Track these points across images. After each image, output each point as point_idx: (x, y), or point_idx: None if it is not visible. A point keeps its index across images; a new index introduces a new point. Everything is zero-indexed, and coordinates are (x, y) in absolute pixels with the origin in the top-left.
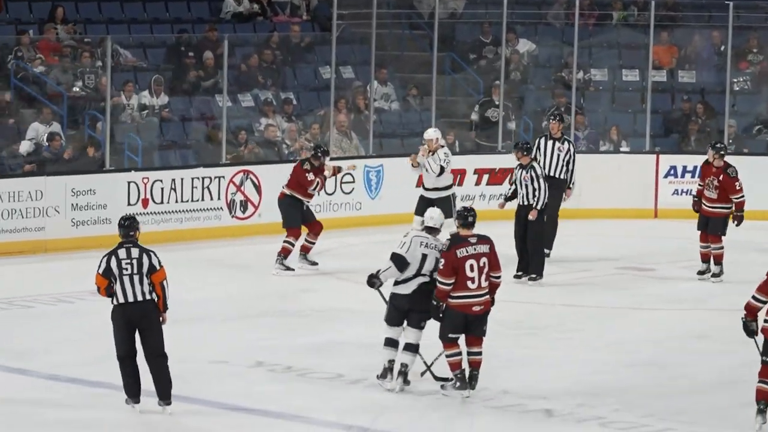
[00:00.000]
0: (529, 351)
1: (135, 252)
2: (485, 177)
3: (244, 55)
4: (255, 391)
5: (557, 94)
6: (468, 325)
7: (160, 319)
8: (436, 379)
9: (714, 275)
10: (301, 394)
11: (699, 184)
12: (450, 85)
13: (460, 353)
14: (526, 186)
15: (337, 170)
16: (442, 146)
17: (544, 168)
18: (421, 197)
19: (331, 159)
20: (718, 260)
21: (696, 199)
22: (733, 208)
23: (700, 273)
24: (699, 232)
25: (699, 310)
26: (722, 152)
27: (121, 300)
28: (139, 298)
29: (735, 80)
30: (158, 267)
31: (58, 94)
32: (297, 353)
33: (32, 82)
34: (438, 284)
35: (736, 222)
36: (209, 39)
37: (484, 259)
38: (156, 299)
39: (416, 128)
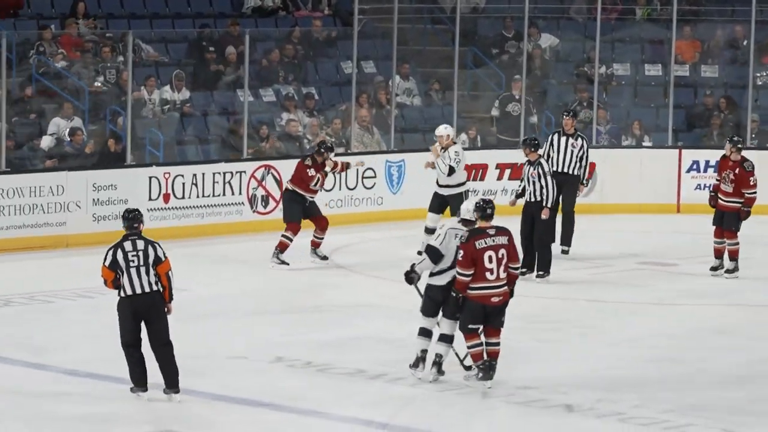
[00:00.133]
0: (550, 346)
1: (140, 244)
2: (507, 172)
3: (266, 50)
4: (274, 386)
5: (579, 88)
6: (487, 316)
7: (166, 309)
8: (466, 368)
9: (728, 271)
10: (320, 390)
11: (716, 179)
12: (472, 80)
13: (481, 344)
14: (534, 183)
15: (345, 166)
16: (455, 143)
17: (558, 164)
18: (435, 194)
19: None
20: (734, 256)
21: (712, 194)
22: (744, 201)
23: (713, 269)
24: (714, 227)
25: (719, 305)
26: (739, 146)
27: (129, 292)
28: (147, 289)
29: (758, 75)
30: (163, 258)
31: (79, 89)
32: (317, 348)
33: (54, 77)
34: (457, 276)
35: (742, 216)
36: (231, 34)
37: (502, 251)
38: (162, 290)
39: (438, 123)
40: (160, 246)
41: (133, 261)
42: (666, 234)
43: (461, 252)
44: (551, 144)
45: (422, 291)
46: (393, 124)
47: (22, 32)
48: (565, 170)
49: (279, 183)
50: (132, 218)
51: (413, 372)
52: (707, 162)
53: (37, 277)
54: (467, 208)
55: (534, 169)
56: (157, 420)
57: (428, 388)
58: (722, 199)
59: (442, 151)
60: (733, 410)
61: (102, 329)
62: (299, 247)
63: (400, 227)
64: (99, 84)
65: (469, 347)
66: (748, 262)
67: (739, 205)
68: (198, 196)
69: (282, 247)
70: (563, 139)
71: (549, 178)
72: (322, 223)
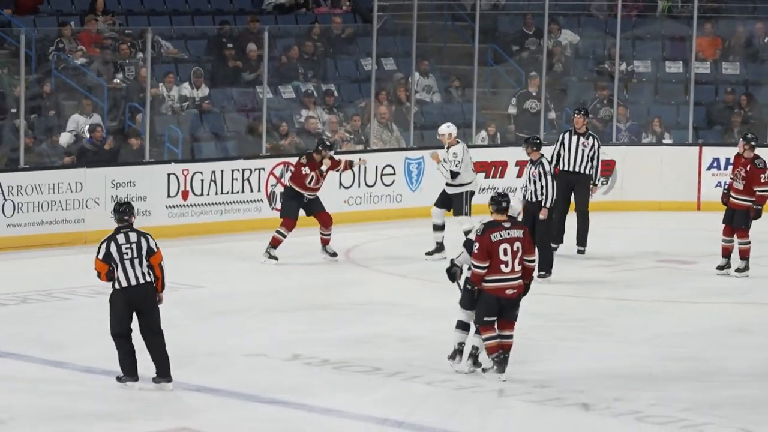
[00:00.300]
0: (567, 344)
1: (133, 236)
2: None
3: (285, 46)
4: (290, 384)
5: (600, 86)
6: (501, 308)
7: (157, 299)
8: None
9: (738, 270)
10: (336, 387)
11: (730, 177)
12: (492, 77)
13: (496, 336)
14: (535, 182)
15: (348, 164)
16: (458, 142)
17: (569, 163)
18: (443, 190)
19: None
20: (744, 255)
21: (725, 191)
22: (755, 199)
23: (720, 268)
24: (723, 225)
25: (738, 304)
26: (753, 143)
27: (124, 284)
28: (141, 280)
29: None
30: (156, 249)
31: (98, 85)
32: (334, 346)
33: (73, 74)
34: (473, 268)
35: (752, 214)
36: (250, 31)
37: (517, 244)
38: (154, 280)
39: (458, 120)
40: (152, 237)
41: (126, 253)
42: (686, 232)
43: (476, 244)
44: (562, 143)
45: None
46: (412, 121)
47: (42, 29)
48: (577, 169)
49: None
50: (123, 211)
51: (450, 364)
52: (728, 159)
53: (54, 274)
54: (513, 206)
55: (535, 169)
56: (172, 417)
57: (444, 386)
58: (733, 197)
59: (447, 149)
60: (753, 410)
61: None
62: (315, 245)
63: (419, 224)
64: (118, 80)
65: (484, 339)
66: (759, 260)
67: (750, 203)
68: (216, 193)
69: (274, 243)
70: (574, 138)
71: (549, 177)
72: (324, 220)
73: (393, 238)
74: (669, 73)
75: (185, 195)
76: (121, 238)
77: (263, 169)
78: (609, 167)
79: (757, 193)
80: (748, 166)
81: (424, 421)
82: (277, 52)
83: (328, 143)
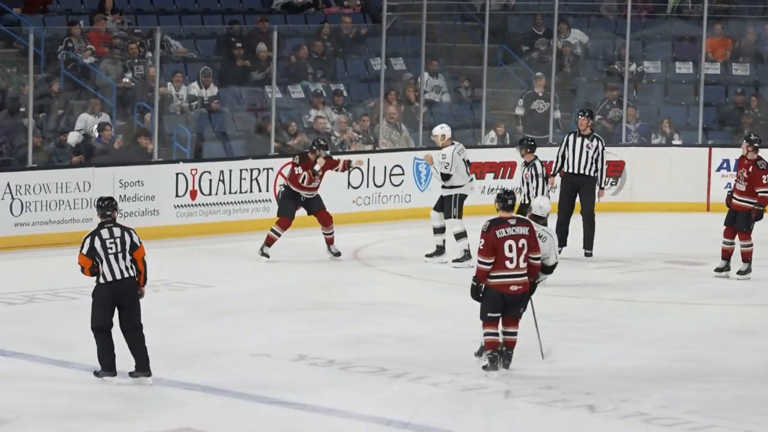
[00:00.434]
0: (575, 345)
1: (117, 231)
2: None
3: (295, 46)
4: (295, 384)
5: (609, 86)
6: (506, 305)
7: (139, 293)
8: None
9: (740, 272)
10: (341, 388)
11: (735, 179)
12: (501, 77)
13: (497, 334)
14: (527, 184)
15: (347, 164)
16: (453, 143)
17: (573, 166)
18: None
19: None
20: (746, 258)
21: (729, 193)
22: (756, 200)
23: (718, 270)
24: (725, 227)
25: (744, 306)
26: (756, 144)
27: (109, 278)
28: (125, 275)
29: None
30: (139, 244)
31: (107, 85)
32: (340, 346)
33: (82, 73)
34: (478, 264)
35: (753, 216)
36: (260, 30)
37: (522, 241)
38: (136, 275)
39: (467, 120)
40: (135, 232)
41: (111, 248)
42: (695, 233)
43: (482, 241)
44: (566, 144)
45: None
46: (421, 122)
47: (51, 28)
48: (581, 172)
49: None
50: (106, 206)
51: (478, 360)
52: (737, 161)
53: (61, 273)
54: (539, 205)
55: (528, 170)
56: (176, 418)
57: (449, 388)
58: (736, 198)
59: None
60: (759, 412)
61: None
62: (321, 245)
63: (427, 225)
64: (127, 80)
65: (484, 335)
66: (761, 262)
67: (752, 204)
68: (225, 193)
69: (269, 241)
70: (578, 140)
71: (540, 180)
72: (323, 218)
73: (401, 239)
74: (679, 73)
75: (193, 194)
76: (105, 233)
77: (271, 168)
78: (618, 168)
79: (759, 194)
80: (751, 167)
81: (428, 422)
82: (286, 52)
83: (322, 143)
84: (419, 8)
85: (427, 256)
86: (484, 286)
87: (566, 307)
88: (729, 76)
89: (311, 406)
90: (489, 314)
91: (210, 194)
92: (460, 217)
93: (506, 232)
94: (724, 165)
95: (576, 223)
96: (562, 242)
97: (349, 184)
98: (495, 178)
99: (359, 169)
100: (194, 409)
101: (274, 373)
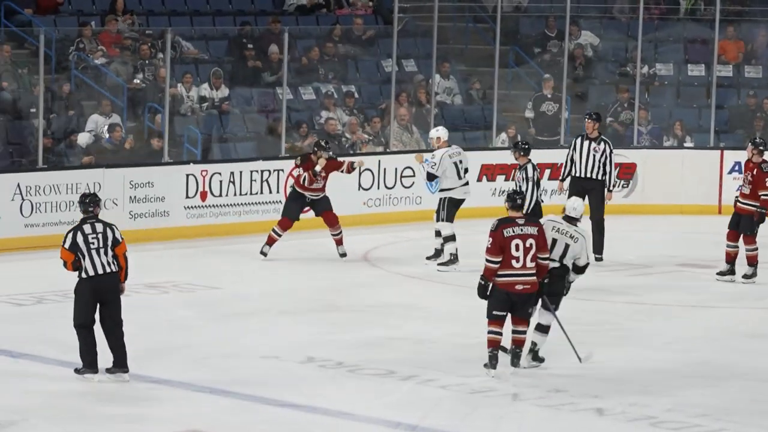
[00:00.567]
0: (584, 348)
1: (99, 226)
2: (547, 172)
3: (306, 47)
4: (304, 386)
5: (621, 88)
6: (513, 304)
7: (120, 289)
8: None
9: (745, 276)
10: (350, 391)
11: (741, 182)
12: (513, 79)
13: (500, 333)
14: (519, 187)
15: (351, 166)
16: (449, 146)
17: (580, 170)
18: None
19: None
20: (752, 262)
21: (736, 197)
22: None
23: (721, 273)
24: (729, 230)
25: (757, 309)
26: (761, 147)
27: (91, 273)
28: (107, 270)
29: None
30: (120, 240)
31: (118, 86)
32: (349, 349)
33: (92, 74)
34: (485, 263)
35: (756, 218)
36: (272, 32)
37: (531, 240)
38: (118, 270)
39: (478, 122)
40: (117, 228)
41: (93, 243)
42: (707, 236)
43: (490, 239)
44: (574, 148)
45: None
46: (432, 123)
47: (62, 29)
48: (589, 175)
49: None
50: (88, 202)
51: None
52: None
53: (71, 275)
54: (573, 206)
55: (520, 174)
56: (185, 419)
57: (458, 390)
58: (740, 202)
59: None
60: (765, 415)
61: (133, 328)
62: (331, 246)
63: None
64: (138, 81)
65: (487, 332)
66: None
67: (756, 208)
68: (235, 194)
69: (269, 241)
70: (586, 143)
71: (530, 184)
72: (329, 219)
73: (412, 240)
74: (691, 76)
75: (203, 196)
76: (87, 228)
77: (282, 170)
78: (630, 170)
79: (762, 197)
80: (755, 170)
81: (437, 425)
82: (297, 53)
83: (324, 144)
84: (431, 10)
85: (427, 258)
86: (491, 284)
87: (577, 310)
88: (741, 78)
89: (320, 408)
90: (494, 312)
91: (220, 195)
92: (448, 220)
93: (514, 231)
94: (736, 168)
95: (585, 226)
96: None
97: (359, 185)
98: (506, 180)
99: (369, 170)
100: (203, 411)
101: (283, 375)
